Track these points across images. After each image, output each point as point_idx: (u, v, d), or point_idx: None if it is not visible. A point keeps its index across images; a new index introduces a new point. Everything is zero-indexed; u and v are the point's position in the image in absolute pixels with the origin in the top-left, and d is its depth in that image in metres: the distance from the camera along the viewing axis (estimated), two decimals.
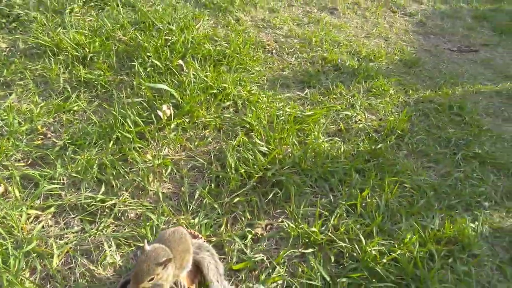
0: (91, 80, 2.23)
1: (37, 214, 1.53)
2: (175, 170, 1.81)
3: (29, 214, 1.51)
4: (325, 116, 2.22)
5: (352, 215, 1.68)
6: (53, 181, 1.66)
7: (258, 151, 1.85)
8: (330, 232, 1.58)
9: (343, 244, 1.53)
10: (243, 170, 1.75)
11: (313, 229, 1.56)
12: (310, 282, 1.40)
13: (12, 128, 1.82)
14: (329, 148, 2.00)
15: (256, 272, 1.45)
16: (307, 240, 1.57)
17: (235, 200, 1.68)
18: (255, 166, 1.79)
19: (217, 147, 1.96)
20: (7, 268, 1.30)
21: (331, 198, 1.75)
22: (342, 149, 2.03)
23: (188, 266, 1.26)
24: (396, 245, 1.54)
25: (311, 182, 1.83)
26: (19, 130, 1.85)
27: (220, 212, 1.64)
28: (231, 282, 1.39)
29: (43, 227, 1.50)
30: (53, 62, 2.27)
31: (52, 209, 1.56)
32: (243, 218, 1.63)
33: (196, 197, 1.69)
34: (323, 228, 1.61)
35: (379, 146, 2.07)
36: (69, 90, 2.14)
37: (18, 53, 2.35)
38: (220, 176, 1.79)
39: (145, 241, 1.13)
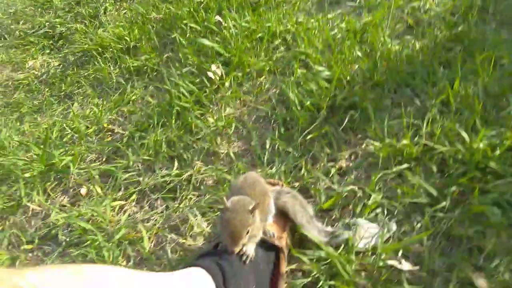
0: (140, 66, 2.21)
1: (121, 204, 1.56)
2: (240, 127, 1.70)
3: (113, 206, 1.54)
4: (386, 18, 1.89)
5: (446, 114, 1.40)
6: (129, 169, 1.67)
7: (321, 79, 1.64)
8: (425, 140, 1.33)
9: (444, 149, 1.27)
10: (308, 103, 1.57)
11: (404, 141, 1.33)
12: (414, 201, 1.19)
13: (81, 133, 1.88)
14: (401, 49, 1.69)
15: (350, 206, 1.29)
16: (400, 158, 1.35)
17: (309, 137, 1.51)
18: (321, 96, 1.59)
19: (277, 91, 1.80)
20: (102, 259, 1.34)
21: (418, 103, 1.48)
22: (417, 46, 1.70)
23: (271, 210, 1.15)
24: (508, 133, 1.23)
25: (390, 93, 1.57)
26: (88, 133, 1.92)
27: (296, 155, 1.49)
28: (325, 222, 1.25)
29: (129, 215, 1.52)
30: (102, 62, 2.30)
31: (134, 196, 1.58)
32: (322, 155, 1.46)
33: (267, 146, 1.56)
34: (416, 138, 1.37)
35: (460, 29, 1.70)
36: (123, 82, 2.15)
37: (71, 66, 2.44)
38: (287, 118, 1.63)
39: (224, 198, 1.03)
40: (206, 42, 2.00)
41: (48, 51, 2.67)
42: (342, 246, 1.15)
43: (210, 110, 1.81)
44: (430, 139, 1.35)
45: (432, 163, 1.27)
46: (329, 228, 1.19)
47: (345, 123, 1.51)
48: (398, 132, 1.44)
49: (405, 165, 1.30)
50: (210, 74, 1.89)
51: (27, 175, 1.80)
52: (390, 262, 1.05)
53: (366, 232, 1.15)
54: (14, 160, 1.85)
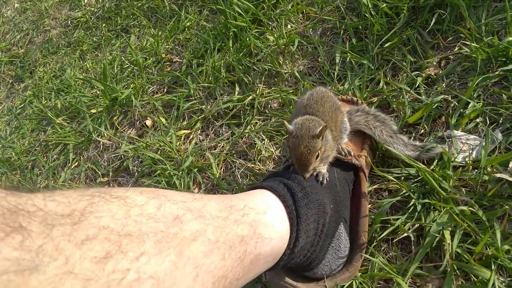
0: None
1: (187, 133, 1.51)
2: (304, 43, 1.52)
3: (179, 135, 1.50)
4: None
5: None
6: (190, 98, 1.60)
7: None
8: None
9: None
10: (384, 6, 1.34)
11: (509, 38, 1.08)
12: None
13: (140, 65, 1.83)
14: None
15: (442, 118, 1.10)
16: (503, 58, 1.11)
17: (387, 45, 1.31)
18: None
19: None
20: (172, 188, 1.31)
21: None
22: None
23: (346, 127, 1.00)
24: None
25: None
26: (147, 65, 1.86)
27: (372, 67, 1.31)
28: (411, 138, 1.09)
29: (195, 143, 1.47)
30: None
31: (199, 125, 1.52)
32: (404, 64, 1.26)
33: (337, 61, 1.39)
34: None
35: None
36: (177, 9, 2.03)
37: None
38: (360, 27, 1.42)
39: (284, 122, 0.91)
40: None
41: None
42: (436, 162, 0.99)
43: (270, 27, 1.64)
44: None
45: None
46: (417, 142, 1.03)
47: (431, 25, 1.27)
48: (499, 29, 1.18)
49: (511, 66, 1.07)
50: None
51: (93, 111, 1.82)
52: (499, 175, 0.88)
53: (465, 145, 0.98)
54: (80, 98, 1.86)
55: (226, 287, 0.64)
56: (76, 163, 1.75)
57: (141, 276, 0.49)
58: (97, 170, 1.64)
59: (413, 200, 0.93)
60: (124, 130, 1.70)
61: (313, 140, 0.85)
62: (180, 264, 0.55)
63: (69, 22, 2.58)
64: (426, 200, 0.92)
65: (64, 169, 1.76)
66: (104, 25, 2.34)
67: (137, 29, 2.12)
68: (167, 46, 1.91)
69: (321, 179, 0.90)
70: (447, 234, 0.86)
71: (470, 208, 0.87)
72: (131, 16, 2.21)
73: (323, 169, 0.92)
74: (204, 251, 0.60)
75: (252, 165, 1.28)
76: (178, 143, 1.48)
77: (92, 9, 2.51)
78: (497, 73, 1.09)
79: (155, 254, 0.52)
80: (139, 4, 2.21)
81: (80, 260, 0.44)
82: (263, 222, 0.74)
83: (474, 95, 1.08)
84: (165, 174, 1.38)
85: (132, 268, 0.48)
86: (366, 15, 1.39)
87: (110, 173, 1.60)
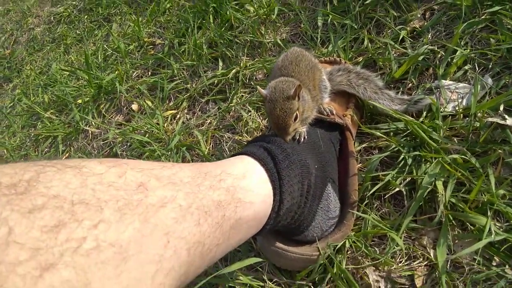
0: None
1: (173, 113, 1.48)
2: (285, 10, 1.48)
3: (166, 116, 1.47)
4: None
5: None
6: (174, 78, 1.57)
7: None
8: None
9: None
10: None
11: None
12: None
13: (122, 51, 1.79)
14: None
15: (430, 70, 1.06)
16: (489, 2, 1.05)
17: (368, 2, 1.26)
18: None
19: None
20: None
21: None
22: None
23: (325, 85, 0.96)
24: None
25: None
26: (130, 50, 1.82)
27: (355, 26, 1.26)
28: (399, 93, 1.04)
29: (183, 122, 1.44)
30: None
31: (185, 104, 1.48)
32: (388, 20, 1.21)
33: (319, 24, 1.34)
34: None
35: None
36: None
37: None
38: None
39: (258, 87, 0.87)
40: None
41: None
42: (424, 114, 0.95)
43: None
44: None
45: None
46: (405, 96, 0.98)
47: None
48: None
49: (497, 7, 1.02)
50: None
51: (79, 101, 1.79)
52: (490, 119, 0.84)
53: (454, 93, 0.94)
54: (66, 89, 1.83)
55: (204, 253, 0.61)
56: (67, 154, 1.73)
57: (100, 244, 0.45)
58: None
59: (403, 154, 0.90)
60: (111, 117, 1.67)
61: (288, 102, 0.81)
62: (146, 231, 0.52)
63: (52, 18, 2.54)
64: (417, 153, 0.88)
65: None
66: (86, 17, 2.29)
67: (119, 17, 2.08)
68: (149, 30, 1.87)
69: (297, 137, 0.86)
70: (439, 185, 0.83)
71: (463, 156, 0.83)
72: (112, 5, 2.17)
73: (303, 128, 0.88)
74: (174, 217, 0.57)
75: (240, 138, 1.25)
76: (165, 124, 1.45)
77: (74, 2, 2.47)
78: (483, 17, 1.04)
79: (115, 222, 0.48)
80: None
81: (27, 230, 0.41)
82: (242, 186, 0.71)
83: (461, 43, 1.03)
84: (154, 155, 1.35)
85: (89, 236, 0.45)
86: None
87: None
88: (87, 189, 0.49)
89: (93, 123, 1.68)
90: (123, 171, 0.56)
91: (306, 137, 0.86)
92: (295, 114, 0.82)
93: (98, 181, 0.51)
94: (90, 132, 1.68)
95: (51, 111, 1.90)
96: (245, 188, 0.71)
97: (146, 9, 1.98)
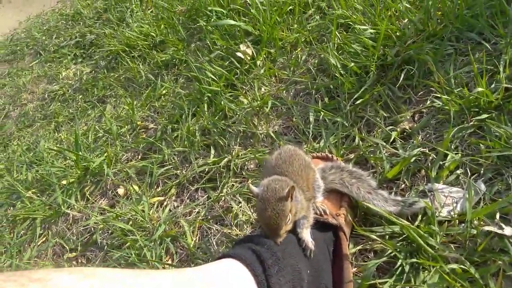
0: (168, 60, 2.12)
1: (160, 200, 1.43)
2: (278, 104, 1.53)
3: (152, 203, 1.42)
4: None
5: None
6: (164, 164, 1.55)
7: (365, 38, 1.43)
8: (506, 84, 1.08)
9: None
10: (353, 65, 1.37)
11: (479, 89, 1.09)
12: (505, 153, 0.94)
13: (114, 133, 1.79)
14: None
15: (422, 172, 1.07)
16: (476, 109, 1.11)
17: (359, 102, 1.31)
18: (368, 57, 1.38)
19: (315, 60, 1.61)
20: (143, 259, 1.21)
21: (488, 46, 1.22)
22: None
23: (319, 185, 0.95)
24: None
25: (451, 42, 1.33)
26: (122, 133, 1.83)
27: (346, 124, 1.30)
28: (393, 193, 1.04)
29: (169, 210, 1.39)
30: (130, 61, 2.22)
31: (173, 190, 1.45)
32: (378, 119, 1.25)
33: (311, 119, 1.38)
34: (493, 85, 1.12)
35: None
36: (153, 78, 2.06)
37: (102, 70, 2.39)
38: (331, 87, 1.44)
39: (248, 184, 0.86)
40: (231, 22, 1.85)
41: (80, 59, 2.67)
42: (420, 217, 0.94)
43: (243, 91, 1.65)
44: (511, 82, 1.10)
45: None
46: (398, 197, 0.98)
47: (401, 80, 1.29)
48: (468, 81, 1.21)
49: (484, 115, 1.06)
50: (239, 54, 1.74)
51: (64, 182, 1.73)
52: (487, 228, 0.83)
53: (448, 198, 0.93)
54: (51, 169, 1.79)
55: None
56: (44, 238, 1.63)
57: None
58: (65, 245, 1.52)
59: (400, 261, 0.86)
60: (95, 201, 1.61)
61: (280, 203, 0.79)
62: None
63: (46, 95, 2.58)
64: (414, 260, 0.84)
65: (31, 245, 1.63)
66: (80, 96, 2.34)
67: (113, 99, 2.12)
68: (143, 114, 1.90)
69: (308, 253, 0.83)
70: None
71: (461, 266, 0.80)
72: (108, 87, 2.23)
73: (306, 235, 0.85)
74: None
75: (229, 231, 1.20)
76: (151, 211, 1.40)
77: (70, 82, 2.54)
78: (471, 123, 1.08)
79: None
80: (116, 75, 2.24)
81: None
82: None
83: (452, 147, 1.06)
84: (135, 246, 1.27)
85: None
86: (336, 75, 1.41)
87: (79, 248, 1.48)
88: None
89: (76, 206, 1.61)
90: (91, 284, 0.51)
91: (314, 248, 0.83)
92: (288, 216, 0.80)
93: None
94: (71, 215, 1.61)
95: (33, 190, 1.84)
96: None
97: (142, 93, 2.03)
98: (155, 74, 2.09)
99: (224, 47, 1.86)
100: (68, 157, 1.86)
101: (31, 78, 2.89)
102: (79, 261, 1.46)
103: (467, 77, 1.21)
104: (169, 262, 1.23)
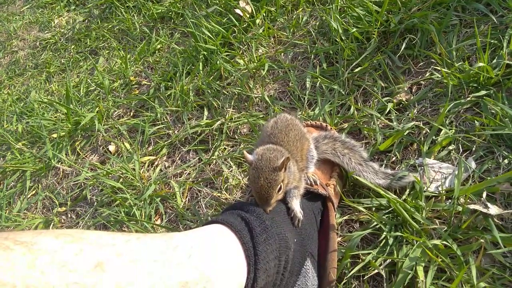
0: (164, 13, 2.03)
1: (152, 159, 1.43)
2: (275, 67, 1.49)
3: (143, 162, 1.41)
4: None
5: None
6: (157, 123, 1.53)
7: (369, 2, 1.37)
8: (508, 60, 1.05)
9: None
10: (355, 31, 1.32)
11: (480, 64, 1.06)
12: (498, 132, 0.93)
13: (106, 88, 1.75)
14: None
15: (414, 145, 1.06)
16: (475, 84, 1.08)
17: (357, 70, 1.28)
18: (371, 22, 1.33)
19: (317, 23, 1.55)
20: (132, 218, 1.22)
21: (494, 19, 1.17)
22: None
23: (312, 155, 0.94)
24: None
25: (456, 11, 1.28)
26: (114, 88, 1.79)
27: (343, 92, 1.27)
28: (383, 166, 1.04)
29: (160, 170, 1.39)
30: (125, 12, 2.13)
31: (165, 150, 1.44)
32: (375, 89, 1.23)
33: (308, 85, 1.35)
34: (494, 61, 1.09)
35: None
36: (147, 31, 1.99)
37: (95, 20, 2.30)
38: (331, 52, 1.40)
39: (244, 152, 0.84)
40: None
41: (73, 7, 2.56)
42: (407, 191, 0.94)
43: (240, 51, 1.61)
44: None
45: None
46: (388, 170, 0.97)
47: (402, 49, 1.25)
48: (470, 55, 1.17)
49: (482, 92, 1.04)
50: (238, 11, 1.67)
51: (54, 135, 1.72)
52: (473, 206, 0.83)
53: (438, 173, 0.93)
54: (41, 122, 1.76)
55: None
56: (34, 191, 1.63)
57: None
58: (55, 199, 1.53)
59: (384, 233, 0.87)
60: (86, 156, 1.61)
61: (274, 173, 0.78)
62: None
63: (37, 43, 2.50)
64: (398, 233, 0.86)
65: (21, 197, 1.64)
66: (73, 46, 2.27)
67: (106, 51, 2.06)
68: (136, 69, 1.85)
69: (296, 223, 0.84)
70: (420, 271, 0.80)
71: (444, 242, 0.81)
72: (101, 38, 2.15)
73: (296, 205, 0.85)
74: None
75: (219, 194, 1.20)
76: (141, 170, 1.39)
77: (62, 30, 2.44)
78: (468, 99, 1.07)
79: None
80: (110, 26, 2.15)
81: None
82: (212, 264, 0.66)
83: (446, 122, 1.05)
84: (125, 204, 1.28)
85: None
86: (337, 40, 1.36)
87: (68, 203, 1.49)
88: (35, 272, 0.44)
89: (66, 160, 1.60)
90: (80, 248, 0.51)
91: (302, 218, 0.83)
92: (279, 186, 0.79)
93: (50, 261, 0.46)
94: (61, 170, 1.61)
95: (23, 142, 1.82)
96: (217, 264, 0.67)
97: (136, 47, 1.97)
98: (150, 27, 2.02)
99: (223, 1, 1.78)
100: (59, 110, 1.83)
101: (22, 24, 2.78)
102: (69, 215, 1.48)
103: (470, 51, 1.17)
104: (158, 222, 1.24)
